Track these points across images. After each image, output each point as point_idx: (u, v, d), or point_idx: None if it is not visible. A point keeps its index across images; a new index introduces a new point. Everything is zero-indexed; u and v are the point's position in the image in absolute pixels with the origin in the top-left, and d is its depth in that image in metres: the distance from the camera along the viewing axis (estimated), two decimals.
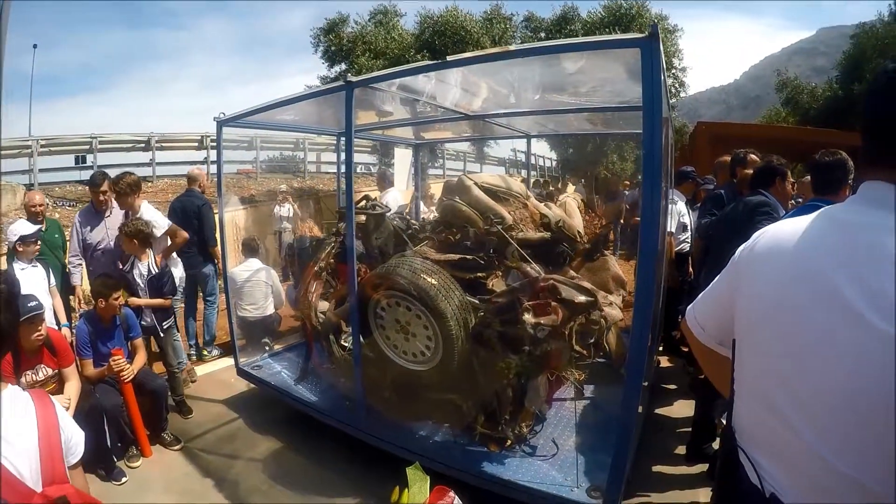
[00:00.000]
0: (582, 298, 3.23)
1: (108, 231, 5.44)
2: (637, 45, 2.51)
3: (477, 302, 3.50)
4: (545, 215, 4.40)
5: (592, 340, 3.33)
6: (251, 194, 15.54)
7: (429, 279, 3.35)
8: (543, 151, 26.32)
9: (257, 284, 6.47)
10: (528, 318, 3.08)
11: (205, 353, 6.74)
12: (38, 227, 4.79)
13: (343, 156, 4.93)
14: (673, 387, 5.69)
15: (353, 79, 3.56)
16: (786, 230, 1.26)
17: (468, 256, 3.71)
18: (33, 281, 4.82)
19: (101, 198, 5.42)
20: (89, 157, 16.22)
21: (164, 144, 17.66)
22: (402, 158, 7.94)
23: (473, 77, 4.06)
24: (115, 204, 5.46)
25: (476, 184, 4.26)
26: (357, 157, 20.29)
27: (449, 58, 3.01)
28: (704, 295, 1.51)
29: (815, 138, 12.64)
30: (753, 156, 4.81)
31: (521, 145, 22.92)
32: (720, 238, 4.07)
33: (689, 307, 1.56)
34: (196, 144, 18.10)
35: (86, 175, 15.26)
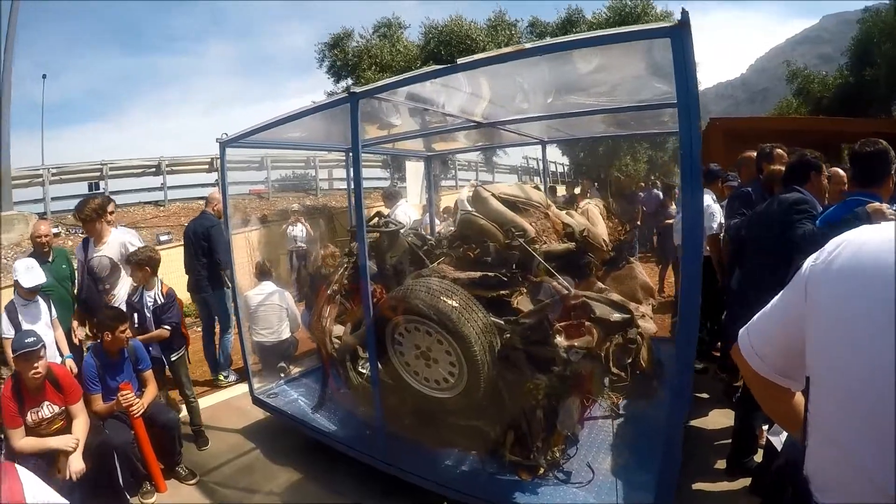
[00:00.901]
0: (617, 316, 3.00)
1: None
2: (667, 34, 2.30)
3: (502, 323, 3.27)
4: (568, 225, 4.17)
5: (630, 360, 3.07)
6: (263, 214, 15.45)
7: (449, 301, 3.12)
8: (555, 157, 26.11)
9: (271, 308, 6.27)
10: (560, 340, 2.86)
11: (220, 378, 6.57)
12: (37, 282, 4.62)
13: (352, 172, 4.74)
14: (705, 395, 5.39)
15: (357, 90, 3.36)
16: (874, 242, 1.04)
17: (489, 273, 3.48)
18: (33, 315, 4.69)
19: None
20: (101, 185, 16.23)
21: (174, 168, 17.68)
22: (414, 171, 7.75)
23: (484, 82, 3.84)
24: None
25: (493, 195, 4.04)
26: (367, 173, 20.26)
27: (459, 61, 2.80)
28: (762, 318, 1.32)
29: (832, 127, 12.39)
30: (780, 150, 4.57)
31: (531, 152, 22.75)
32: (756, 239, 3.85)
33: (742, 332, 1.36)
34: (207, 167, 18.09)
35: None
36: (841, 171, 4.49)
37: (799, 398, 1.31)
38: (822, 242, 2.98)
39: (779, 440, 3.22)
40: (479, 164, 25.48)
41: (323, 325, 4.23)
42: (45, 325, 4.71)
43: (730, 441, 4.09)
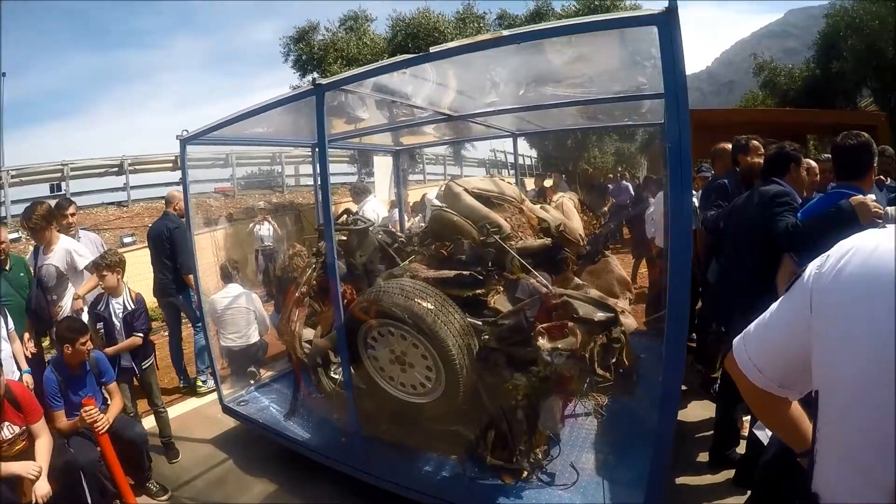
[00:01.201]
0: (601, 315, 2.87)
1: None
2: (654, 21, 2.18)
3: (480, 324, 3.14)
4: (544, 220, 4.05)
5: (614, 360, 2.96)
6: (229, 213, 15.12)
7: (424, 303, 2.97)
8: (523, 149, 26.08)
9: (238, 311, 6.03)
10: (543, 343, 2.72)
11: (199, 384, 6.32)
12: None
13: (318, 168, 4.53)
14: (683, 387, 5.34)
15: (323, 81, 3.19)
16: (885, 247, 0.97)
17: (464, 272, 3.34)
18: None
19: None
20: (63, 185, 15.74)
21: (137, 167, 17.22)
22: (382, 166, 7.57)
23: (455, 73, 3.70)
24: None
25: (466, 190, 3.90)
26: (335, 168, 20.04)
27: (432, 49, 2.64)
28: (759, 329, 1.24)
29: (799, 119, 12.53)
30: (756, 142, 4.52)
31: (499, 145, 22.78)
32: (735, 231, 3.81)
33: (737, 343, 1.28)
34: (171, 165, 17.62)
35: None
36: (814, 163, 4.48)
37: (796, 406, 1.27)
38: (804, 235, 2.90)
39: (764, 434, 3.18)
40: (447, 157, 25.36)
41: (292, 328, 4.06)
42: (0, 338, 4.42)
43: (711, 433, 4.07)
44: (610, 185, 13.82)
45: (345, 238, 4.29)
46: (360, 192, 7.91)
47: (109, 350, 4.47)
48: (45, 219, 4.85)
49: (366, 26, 19.88)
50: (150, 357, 4.81)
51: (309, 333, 4.15)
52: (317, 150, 3.75)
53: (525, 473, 3.28)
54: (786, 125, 10.19)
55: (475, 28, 19.00)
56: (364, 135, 6.02)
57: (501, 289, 3.36)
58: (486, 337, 3.07)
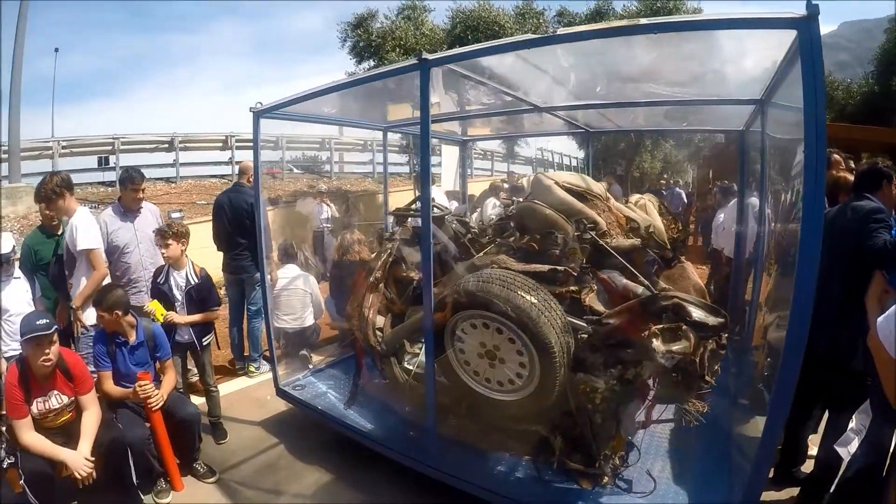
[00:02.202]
0: (713, 320, 2.71)
1: (136, 234, 4.96)
2: (794, 26, 2.08)
3: (583, 324, 2.99)
4: (633, 219, 3.89)
5: (718, 367, 2.81)
6: (278, 195, 15.14)
7: (528, 297, 2.83)
8: (570, 150, 25.72)
9: (295, 293, 5.98)
10: (657, 345, 2.57)
11: (251, 369, 6.17)
12: (11, 246, 4.21)
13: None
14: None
15: (429, 56, 3.05)
16: None
17: (558, 267, 3.19)
18: (13, 294, 4.22)
19: (138, 195, 4.97)
20: (112, 159, 15.91)
21: (187, 145, 17.37)
22: (450, 156, 7.42)
23: (561, 61, 3.55)
24: (144, 205, 5.05)
25: (557, 183, 3.75)
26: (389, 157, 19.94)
27: (560, 31, 2.49)
28: None
29: (856, 135, 12.19)
30: (837, 156, 4.35)
31: (546, 144, 22.53)
32: (826, 245, 3.61)
33: (881, 320, 1.47)
34: (220, 145, 17.78)
35: (109, 177, 15.06)
36: None
37: None
38: None
39: (846, 451, 3.03)
40: (494, 153, 25.13)
41: (366, 315, 3.94)
42: (27, 304, 4.29)
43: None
44: (664, 192, 13.54)
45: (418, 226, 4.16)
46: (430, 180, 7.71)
47: (181, 319, 4.41)
48: (61, 187, 4.55)
49: (423, 16, 19.71)
50: (211, 334, 4.75)
51: (380, 322, 4.03)
52: (419, 130, 3.59)
53: (606, 479, 3.15)
54: (841, 141, 9.83)
55: (535, 24, 18.60)
56: (435, 122, 5.90)
57: (595, 288, 3.21)
58: (585, 336, 2.93)
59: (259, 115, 4.52)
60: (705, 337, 2.72)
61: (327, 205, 11.10)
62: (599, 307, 3.11)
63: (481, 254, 3.77)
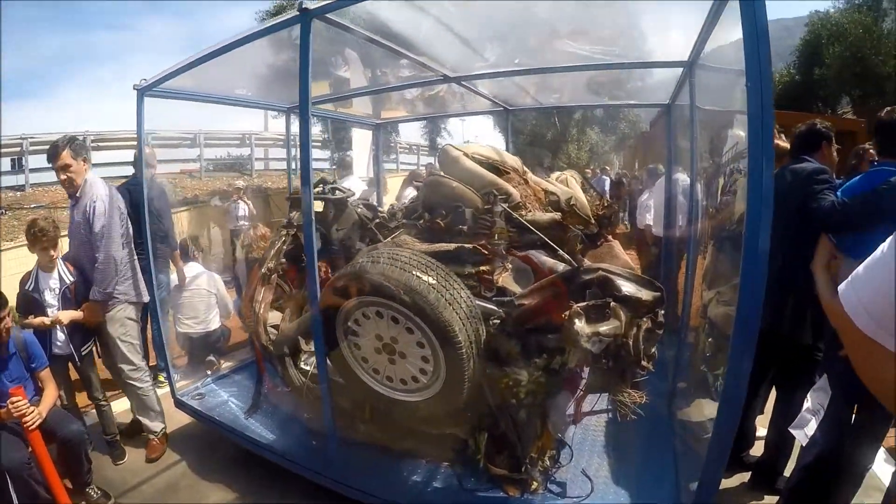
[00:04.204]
0: (648, 294, 2.33)
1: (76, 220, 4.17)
2: None
3: (493, 307, 2.58)
4: (552, 192, 3.53)
5: (654, 351, 2.43)
6: (195, 195, 14.36)
7: (424, 277, 2.40)
8: (497, 142, 25.57)
9: (198, 293, 5.45)
10: (580, 326, 2.16)
11: (161, 378, 5.52)
12: None
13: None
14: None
15: (311, 5, 2.60)
16: None
17: (466, 245, 2.79)
18: None
19: (62, 176, 4.10)
20: (23, 160, 14.82)
21: (100, 144, 16.22)
22: (361, 141, 6.94)
23: (462, 14, 3.16)
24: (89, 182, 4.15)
25: (465, 154, 3.35)
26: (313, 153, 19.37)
27: None
28: (869, 269, 1.13)
29: (778, 122, 12.46)
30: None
31: (472, 137, 22.42)
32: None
33: (843, 287, 1.18)
34: (136, 143, 16.69)
35: (22, 180, 14.16)
36: None
37: None
38: (852, 215, 2.75)
39: (803, 434, 2.77)
40: (420, 147, 24.77)
41: (256, 311, 3.45)
42: None
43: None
44: (591, 181, 13.75)
45: (319, 210, 3.71)
46: (345, 166, 7.22)
47: (66, 317, 3.83)
48: None
49: None
50: (91, 342, 4.15)
51: (276, 317, 3.56)
52: (297, 109, 3.09)
53: (535, 484, 2.81)
54: None
55: None
56: (348, 97, 5.44)
57: (509, 267, 2.82)
58: (500, 321, 2.51)
59: (143, 92, 4.02)
60: (639, 314, 2.34)
61: (245, 202, 10.50)
62: (516, 288, 2.72)
63: (395, 236, 3.35)
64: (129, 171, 6.13)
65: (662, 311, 2.41)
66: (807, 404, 2.94)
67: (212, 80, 4.30)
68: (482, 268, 2.73)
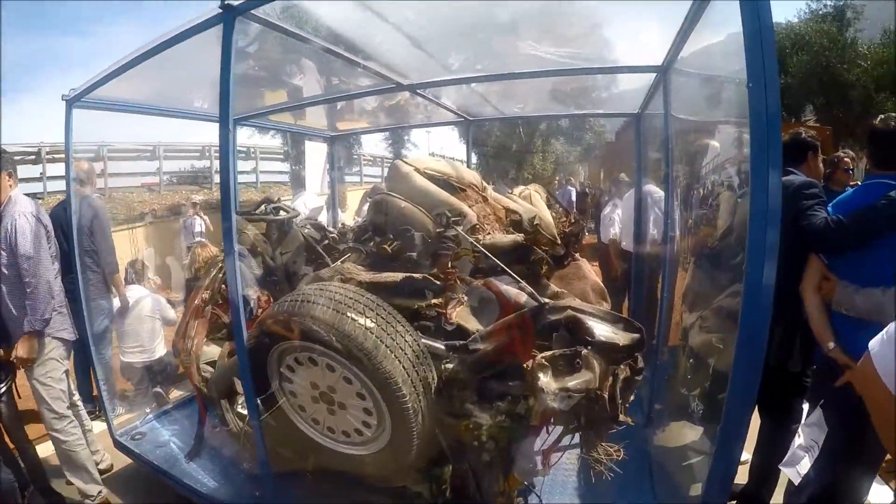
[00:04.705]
0: (625, 338, 2.00)
1: None
2: None
3: (442, 348, 2.26)
4: (514, 211, 3.24)
5: (633, 398, 2.10)
6: (153, 209, 13.86)
7: (360, 320, 2.07)
8: (456, 146, 25.31)
9: (140, 319, 5.03)
10: (545, 382, 1.84)
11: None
12: None
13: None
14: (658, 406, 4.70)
15: (235, 2, 2.31)
16: None
17: (415, 275, 2.47)
18: None
19: None
20: None
21: (55, 157, 15.60)
22: (315, 154, 6.57)
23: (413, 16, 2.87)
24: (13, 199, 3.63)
25: (417, 170, 3.04)
26: (268, 166, 19.00)
27: None
28: None
29: None
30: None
31: (438, 150, 22.21)
32: None
33: (875, 343, 1.09)
34: (93, 155, 16.10)
35: None
36: None
37: None
38: (848, 233, 2.52)
39: (795, 471, 2.54)
40: (385, 160, 24.45)
41: (188, 346, 3.10)
42: None
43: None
44: (557, 192, 13.69)
45: (263, 231, 3.37)
46: (298, 182, 6.85)
47: None
48: None
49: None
50: (7, 380, 3.70)
51: (213, 353, 3.20)
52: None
53: None
54: None
55: None
56: (293, 108, 5.09)
57: (465, 299, 2.50)
58: (452, 366, 2.20)
59: (71, 103, 3.66)
60: (615, 362, 2.02)
61: (201, 217, 10.03)
62: (474, 324, 2.40)
63: (338, 263, 3.02)
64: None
65: (642, 355, 2.08)
66: (799, 440, 2.71)
67: (150, 90, 3.98)
68: (433, 301, 2.42)
